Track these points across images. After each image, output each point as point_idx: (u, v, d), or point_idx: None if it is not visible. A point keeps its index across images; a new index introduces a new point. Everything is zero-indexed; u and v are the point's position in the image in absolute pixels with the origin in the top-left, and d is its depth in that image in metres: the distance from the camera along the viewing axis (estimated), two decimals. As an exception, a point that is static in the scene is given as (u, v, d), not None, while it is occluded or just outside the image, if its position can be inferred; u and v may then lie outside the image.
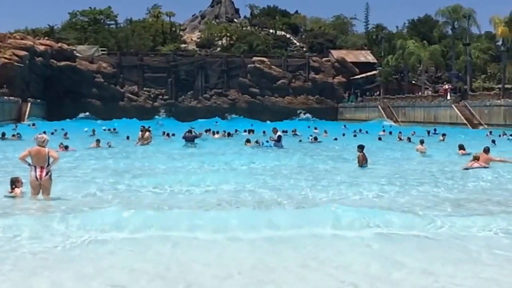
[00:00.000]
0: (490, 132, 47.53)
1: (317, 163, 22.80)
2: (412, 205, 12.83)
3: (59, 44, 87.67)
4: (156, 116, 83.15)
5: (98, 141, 31.93)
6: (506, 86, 67.14)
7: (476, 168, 19.35)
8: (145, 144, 30.97)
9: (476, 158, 19.81)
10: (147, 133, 32.22)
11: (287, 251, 8.80)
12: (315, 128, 53.61)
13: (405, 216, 10.99)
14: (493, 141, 34.49)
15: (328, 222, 10.20)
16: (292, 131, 48.59)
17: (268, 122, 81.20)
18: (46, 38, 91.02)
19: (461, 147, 26.60)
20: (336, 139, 39.86)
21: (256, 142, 32.58)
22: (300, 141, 39.12)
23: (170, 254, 8.63)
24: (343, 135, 47.14)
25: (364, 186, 15.73)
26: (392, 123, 69.69)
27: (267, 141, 32.07)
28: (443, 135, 40.85)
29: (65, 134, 42.65)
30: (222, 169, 20.77)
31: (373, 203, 13.13)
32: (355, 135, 47.11)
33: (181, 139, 34.03)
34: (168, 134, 41.28)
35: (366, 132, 51.37)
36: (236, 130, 48.99)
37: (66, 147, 27.63)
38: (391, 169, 20.76)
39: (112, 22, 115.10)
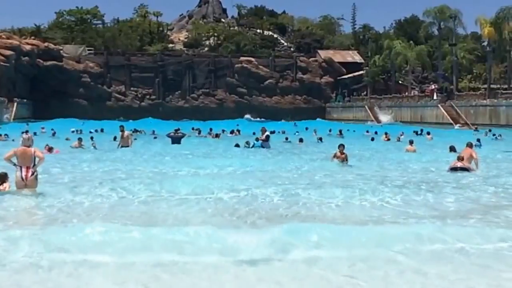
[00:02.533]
0: (476, 128, 47.92)
1: (303, 165, 22.42)
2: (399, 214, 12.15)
3: (46, 44, 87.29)
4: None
5: (80, 139, 31.73)
6: (492, 86, 67.68)
7: (460, 169, 19.28)
8: (125, 146, 28.96)
9: (460, 158, 19.88)
10: (126, 133, 29.55)
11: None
12: (306, 128, 53.80)
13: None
14: (478, 140, 34.72)
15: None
16: (280, 131, 48.97)
17: (248, 116, 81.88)
18: (32, 37, 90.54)
19: (452, 149, 26.50)
20: (321, 139, 39.93)
21: (247, 143, 32.40)
22: (287, 138, 39.37)
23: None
24: (330, 131, 47.48)
25: (352, 191, 14.71)
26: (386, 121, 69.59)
27: (257, 140, 31.94)
28: (428, 133, 41.06)
29: (54, 133, 42.47)
30: (211, 173, 19.58)
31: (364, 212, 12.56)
32: (340, 133, 47.24)
33: (166, 138, 33.71)
34: (156, 137, 40.66)
35: (354, 131, 51.57)
36: (223, 130, 48.96)
37: (50, 149, 26.72)
38: (378, 172, 20.37)
39: (99, 21, 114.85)
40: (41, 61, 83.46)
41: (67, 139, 39.08)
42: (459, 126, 57.57)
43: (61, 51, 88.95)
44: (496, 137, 42.02)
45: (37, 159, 13.52)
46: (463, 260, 8.39)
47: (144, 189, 14.88)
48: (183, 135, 32.35)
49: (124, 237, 9.05)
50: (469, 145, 21.36)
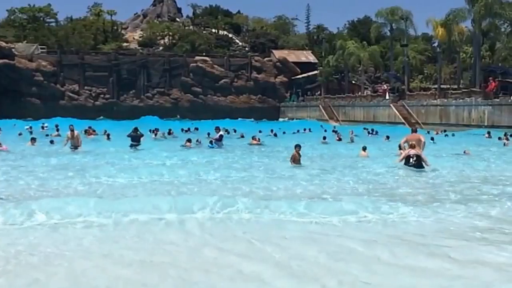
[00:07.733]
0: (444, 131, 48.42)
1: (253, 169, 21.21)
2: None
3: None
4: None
5: (33, 139, 31.03)
6: (442, 86, 69.37)
7: (414, 161, 19.15)
8: (75, 147, 27.87)
9: (412, 146, 19.81)
10: (76, 133, 28.64)
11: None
12: (260, 131, 54.31)
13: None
14: (432, 139, 35.85)
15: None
16: (234, 130, 49.47)
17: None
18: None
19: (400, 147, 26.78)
20: (275, 134, 40.48)
21: (197, 141, 32.77)
22: (243, 136, 39.94)
23: None
24: (284, 133, 48.11)
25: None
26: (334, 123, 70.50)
27: (211, 142, 32.04)
28: (387, 137, 40.86)
29: None
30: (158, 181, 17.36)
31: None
32: (295, 132, 47.93)
33: (126, 137, 33.53)
34: (108, 135, 39.22)
35: (310, 130, 52.13)
36: (182, 129, 49.46)
37: None
38: (329, 177, 18.67)
39: (52, 20, 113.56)
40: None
41: (19, 134, 38.79)
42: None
43: (13, 50, 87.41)
44: (446, 134, 43.55)
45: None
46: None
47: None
48: (142, 135, 32.20)
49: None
50: (414, 131, 21.82)
